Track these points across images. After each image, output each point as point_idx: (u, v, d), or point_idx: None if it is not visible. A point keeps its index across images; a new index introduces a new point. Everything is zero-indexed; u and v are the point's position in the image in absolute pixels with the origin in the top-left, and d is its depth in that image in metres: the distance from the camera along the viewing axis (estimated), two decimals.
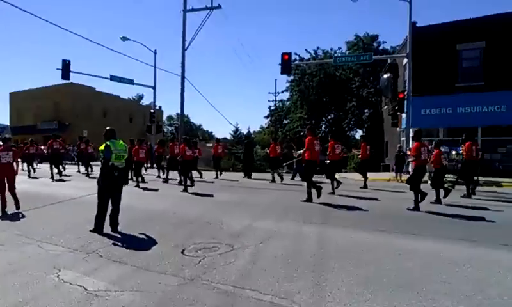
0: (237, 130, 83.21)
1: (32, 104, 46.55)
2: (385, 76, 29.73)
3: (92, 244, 6.46)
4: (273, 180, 17.37)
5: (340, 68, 41.82)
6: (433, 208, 10.00)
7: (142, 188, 14.50)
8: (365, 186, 14.88)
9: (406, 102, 21.62)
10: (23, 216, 8.99)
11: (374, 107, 40.08)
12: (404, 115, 21.65)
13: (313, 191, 10.92)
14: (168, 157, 18.79)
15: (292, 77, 47.31)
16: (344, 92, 40.61)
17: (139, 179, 15.39)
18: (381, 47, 40.54)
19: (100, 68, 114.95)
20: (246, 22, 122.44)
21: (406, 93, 22.00)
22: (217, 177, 19.09)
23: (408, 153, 10.71)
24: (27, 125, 44.90)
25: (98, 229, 7.27)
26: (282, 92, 49.91)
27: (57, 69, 26.52)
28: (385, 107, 33.80)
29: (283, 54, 23.83)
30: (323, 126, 45.87)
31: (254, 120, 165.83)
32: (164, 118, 79.14)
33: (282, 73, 27.60)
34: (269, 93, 59.05)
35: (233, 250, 6.06)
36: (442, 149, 11.97)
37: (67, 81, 44.12)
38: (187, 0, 30.72)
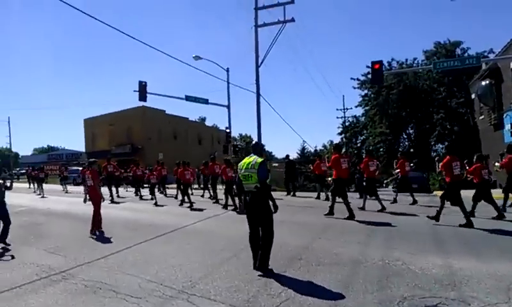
0: (303, 148, 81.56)
1: (106, 129, 47.27)
2: (484, 83, 26.66)
3: (259, 299, 4.68)
4: (318, 197, 17.27)
5: (420, 79, 38.86)
6: None
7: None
8: (414, 202, 13.78)
9: None
10: (138, 252, 7.47)
11: (461, 118, 36.58)
12: None
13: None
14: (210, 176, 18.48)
15: (365, 91, 44.92)
16: (427, 104, 37.42)
17: (185, 199, 15.51)
18: (466, 54, 37.07)
19: (168, 90, 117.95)
20: (310, 36, 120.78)
21: None
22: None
23: (441, 168, 9.52)
24: (101, 150, 45.37)
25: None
26: (356, 107, 47.33)
27: (134, 91, 25.76)
28: (481, 117, 30.44)
29: (373, 63, 21.46)
30: (402, 141, 42.79)
31: (319, 137, 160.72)
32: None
33: (372, 83, 25.71)
34: (337, 109, 56.50)
35: None
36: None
37: (139, 105, 44.63)
38: (258, 16, 29.85)
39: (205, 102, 30.53)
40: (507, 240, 7.75)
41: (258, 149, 6.21)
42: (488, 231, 8.41)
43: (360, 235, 8.46)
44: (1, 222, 8.39)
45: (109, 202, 16.97)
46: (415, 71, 38.79)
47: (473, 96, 33.28)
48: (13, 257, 7.40)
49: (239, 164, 6.06)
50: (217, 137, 61.87)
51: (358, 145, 48.86)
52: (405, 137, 42.89)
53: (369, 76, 43.74)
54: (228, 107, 32.48)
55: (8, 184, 9.12)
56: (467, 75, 37.41)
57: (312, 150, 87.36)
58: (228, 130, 32.51)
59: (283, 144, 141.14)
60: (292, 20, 28.09)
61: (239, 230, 9.23)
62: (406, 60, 41.54)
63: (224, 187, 14.85)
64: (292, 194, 19.46)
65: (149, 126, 44.62)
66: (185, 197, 15.52)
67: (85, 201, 10.41)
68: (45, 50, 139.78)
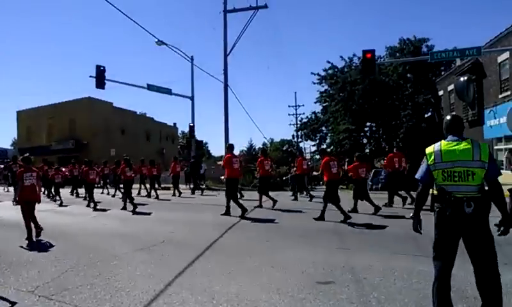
0: (251, 146, 79.87)
1: (44, 122, 42.13)
2: (462, 78, 26.13)
3: None
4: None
5: (384, 74, 38.34)
6: None
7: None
8: (295, 198, 15.51)
9: None
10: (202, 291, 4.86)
11: (418, 114, 36.52)
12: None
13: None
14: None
15: (325, 87, 43.95)
16: (394, 100, 36.90)
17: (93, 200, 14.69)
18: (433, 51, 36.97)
19: (127, 78, 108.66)
20: (280, 25, 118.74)
21: None
22: (174, 195, 19.15)
23: (320, 169, 10.70)
24: (38, 146, 40.30)
25: None
26: (315, 103, 46.03)
27: (91, 76, 22.60)
28: (452, 113, 30.11)
29: (364, 52, 20.03)
30: (361, 138, 42.07)
31: (276, 133, 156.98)
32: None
33: (364, 73, 24.00)
34: (289, 106, 55.14)
35: None
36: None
37: (84, 96, 40.44)
38: (227, 1, 27.35)
39: (168, 91, 27.70)
40: None
41: (455, 126, 3.69)
42: None
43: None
44: None
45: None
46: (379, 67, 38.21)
47: (440, 93, 33.12)
48: None
49: (437, 151, 3.52)
50: (166, 133, 58.46)
51: (317, 142, 47.91)
52: (361, 134, 42.05)
53: (329, 72, 42.96)
54: (192, 98, 29.74)
55: None
56: (433, 73, 37.49)
57: (258, 147, 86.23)
58: (191, 124, 29.71)
59: (220, 142, 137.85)
60: (265, 6, 26.08)
61: (314, 251, 6.83)
62: None
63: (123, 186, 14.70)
64: (192, 192, 20.53)
65: (95, 120, 40.27)
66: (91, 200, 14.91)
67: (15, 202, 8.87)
68: None
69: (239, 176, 12.06)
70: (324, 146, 46.48)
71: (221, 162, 23.69)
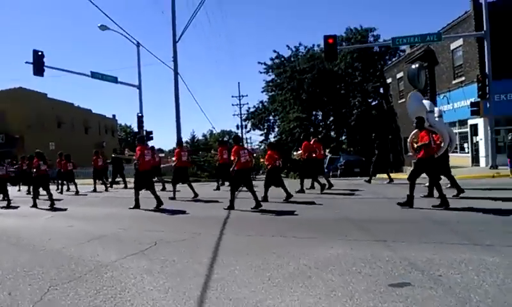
0: (193, 137, 78.23)
1: None
2: (413, 66, 26.65)
3: None
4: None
5: (332, 64, 38.60)
6: None
7: None
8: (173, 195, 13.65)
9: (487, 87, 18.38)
10: None
11: (367, 102, 37.18)
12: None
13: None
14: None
15: (272, 77, 43.71)
16: (342, 88, 37.20)
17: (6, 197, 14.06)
18: (377, 41, 37.64)
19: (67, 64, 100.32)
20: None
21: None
22: (94, 190, 18.33)
23: (232, 157, 10.42)
24: None
25: None
26: (262, 92, 45.53)
27: (27, 62, 20.43)
28: (401, 100, 30.80)
29: (326, 37, 19.71)
30: (310, 127, 42.11)
31: (225, 124, 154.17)
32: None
33: (326, 59, 23.62)
34: (232, 96, 54.57)
35: None
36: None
37: (15, 86, 36.85)
38: None
39: (114, 80, 25.74)
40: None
41: None
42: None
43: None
44: None
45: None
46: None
47: (389, 80, 33.74)
48: None
49: None
50: (105, 126, 55.32)
51: (264, 131, 47.56)
52: (311, 122, 42.10)
53: (276, 61, 42.73)
54: (139, 87, 27.91)
55: None
56: (379, 62, 38.24)
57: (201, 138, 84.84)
58: (140, 114, 27.88)
59: (162, 134, 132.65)
60: None
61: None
62: (313, 45, 41.24)
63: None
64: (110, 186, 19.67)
65: (28, 112, 36.79)
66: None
67: None
68: None
69: (150, 168, 11.80)
70: (273, 135, 46.39)
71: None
